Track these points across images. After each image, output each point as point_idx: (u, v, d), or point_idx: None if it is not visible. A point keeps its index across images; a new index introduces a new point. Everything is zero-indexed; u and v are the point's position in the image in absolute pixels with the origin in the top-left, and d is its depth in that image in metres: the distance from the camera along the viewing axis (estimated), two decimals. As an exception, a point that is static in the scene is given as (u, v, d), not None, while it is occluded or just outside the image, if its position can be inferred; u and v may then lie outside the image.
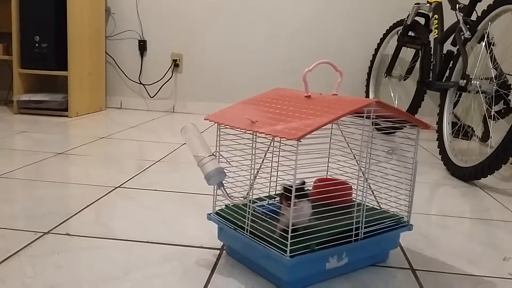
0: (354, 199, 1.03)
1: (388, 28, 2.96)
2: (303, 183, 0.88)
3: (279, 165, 1.02)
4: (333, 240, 0.88)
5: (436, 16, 2.46)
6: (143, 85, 3.34)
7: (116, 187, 1.45)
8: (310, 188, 1.07)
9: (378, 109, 0.89)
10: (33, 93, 2.87)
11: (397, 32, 2.82)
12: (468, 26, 2.04)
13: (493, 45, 1.96)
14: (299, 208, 0.85)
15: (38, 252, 0.97)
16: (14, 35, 2.78)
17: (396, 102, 3.08)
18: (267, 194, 1.07)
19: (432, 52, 2.44)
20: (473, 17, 2.09)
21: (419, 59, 2.60)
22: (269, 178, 1.05)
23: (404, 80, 2.90)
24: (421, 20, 2.67)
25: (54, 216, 1.18)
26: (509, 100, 1.85)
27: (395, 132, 2.80)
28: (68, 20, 2.74)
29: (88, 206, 1.27)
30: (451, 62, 2.17)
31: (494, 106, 1.87)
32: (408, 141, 2.53)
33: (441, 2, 2.50)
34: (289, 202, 0.85)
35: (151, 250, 1.02)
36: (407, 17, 2.68)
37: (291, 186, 0.82)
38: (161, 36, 3.28)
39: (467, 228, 1.28)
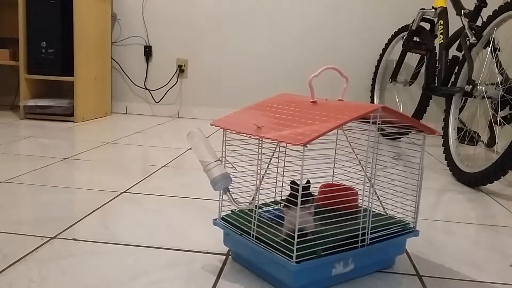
0: (360, 205, 1.03)
1: (393, 33, 2.97)
2: (308, 182, 0.88)
3: (285, 170, 1.02)
4: (339, 246, 0.88)
5: (441, 21, 2.46)
6: (149, 90, 3.36)
7: (122, 192, 1.46)
8: (316, 193, 1.07)
9: (384, 115, 0.89)
10: (40, 98, 2.88)
11: (402, 37, 2.82)
12: (473, 31, 2.04)
13: (498, 51, 1.96)
14: (300, 214, 0.85)
15: (45, 257, 0.97)
16: (21, 41, 2.80)
17: (401, 107, 3.08)
18: (273, 200, 1.07)
19: (437, 58, 2.44)
20: (479, 22, 2.09)
21: (424, 65, 2.60)
22: (275, 183, 1.05)
23: (409, 85, 2.90)
24: (426, 26, 2.66)
25: (61, 221, 1.19)
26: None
27: (400, 138, 2.80)
28: (75, 26, 2.76)
29: (94, 211, 1.28)
30: (457, 67, 2.17)
31: (500, 111, 1.86)
32: (413, 146, 2.53)
33: (446, 7, 2.50)
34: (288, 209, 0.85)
35: (157, 255, 1.02)
36: (412, 22, 2.68)
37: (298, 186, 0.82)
38: (166, 42, 3.30)
39: (473, 234, 1.28)
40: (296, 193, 0.81)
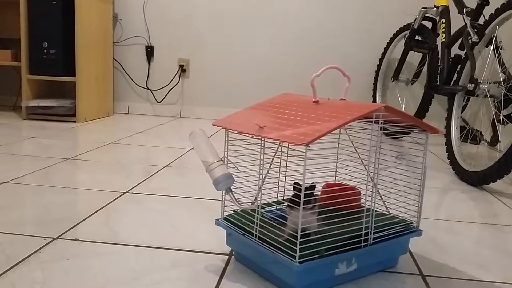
0: (363, 205, 1.03)
1: (395, 32, 2.96)
2: (313, 183, 0.88)
3: (287, 170, 1.02)
4: (342, 246, 0.88)
5: (443, 20, 2.45)
6: (150, 90, 3.36)
7: (124, 193, 1.46)
8: (319, 193, 1.07)
9: (386, 114, 0.89)
10: (42, 99, 2.89)
11: (404, 36, 2.82)
12: (475, 30, 2.03)
13: (501, 49, 1.95)
14: (305, 214, 0.84)
15: (48, 258, 0.97)
16: (22, 41, 2.80)
17: (404, 106, 3.07)
18: (276, 199, 1.07)
19: (439, 56, 2.43)
20: (481, 21, 2.08)
21: (426, 63, 2.60)
22: (277, 183, 1.05)
23: (412, 84, 2.89)
24: (428, 24, 2.66)
25: (63, 221, 1.19)
26: (518, 104, 1.84)
27: (403, 137, 2.79)
28: (76, 26, 2.76)
29: (97, 211, 1.28)
30: (459, 66, 2.16)
31: (503, 110, 1.86)
32: (416, 145, 2.52)
33: (448, 6, 2.49)
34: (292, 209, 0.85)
35: (159, 255, 1.02)
36: (414, 21, 2.67)
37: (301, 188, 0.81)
38: (168, 42, 3.30)
39: (477, 233, 1.27)
40: (300, 194, 0.81)
